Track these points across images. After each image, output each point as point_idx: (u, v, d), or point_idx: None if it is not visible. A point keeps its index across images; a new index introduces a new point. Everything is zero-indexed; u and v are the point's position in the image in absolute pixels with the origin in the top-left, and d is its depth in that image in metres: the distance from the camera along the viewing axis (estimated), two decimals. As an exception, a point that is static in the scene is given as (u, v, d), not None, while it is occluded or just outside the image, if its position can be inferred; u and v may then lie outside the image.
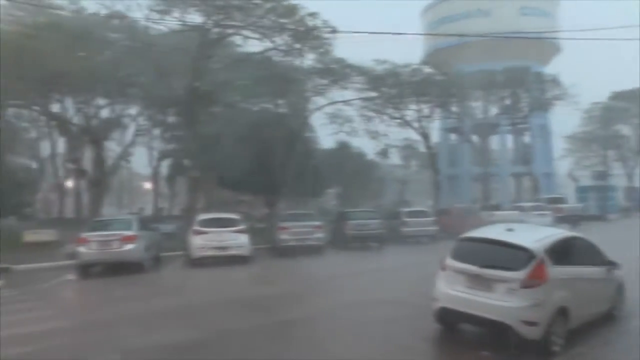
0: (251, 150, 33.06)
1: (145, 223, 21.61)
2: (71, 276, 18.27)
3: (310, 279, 17.63)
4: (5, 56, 25.58)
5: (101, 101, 37.06)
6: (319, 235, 23.76)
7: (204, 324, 10.57)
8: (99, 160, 36.17)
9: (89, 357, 8.82)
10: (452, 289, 8.80)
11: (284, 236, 23.42)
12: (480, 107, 50.99)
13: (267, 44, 29.98)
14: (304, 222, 23.90)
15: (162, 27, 29.62)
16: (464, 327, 9.40)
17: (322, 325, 10.54)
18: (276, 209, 34.59)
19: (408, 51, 44.89)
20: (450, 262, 9.02)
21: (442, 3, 62.70)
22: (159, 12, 28.12)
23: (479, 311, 8.40)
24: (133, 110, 39.61)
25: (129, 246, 17.95)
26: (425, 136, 42.32)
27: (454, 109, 44.58)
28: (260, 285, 16.38)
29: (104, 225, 19.63)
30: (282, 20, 28.56)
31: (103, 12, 30.02)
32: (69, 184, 48.75)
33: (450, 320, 9.27)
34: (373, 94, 37.38)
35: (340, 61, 32.91)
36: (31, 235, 25.74)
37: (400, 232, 28.70)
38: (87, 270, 18.26)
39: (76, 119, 37.18)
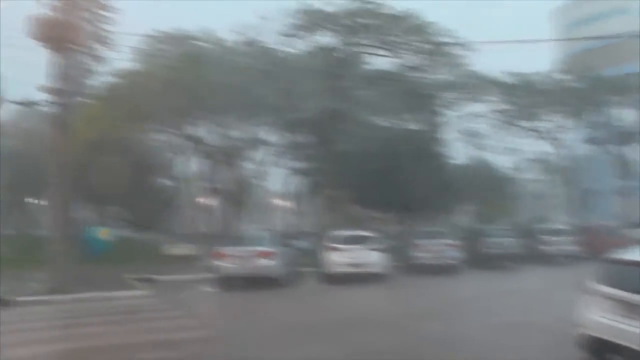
0: (383, 166, 32.99)
1: (280, 239, 22.11)
2: (209, 288, 19.02)
3: (445, 299, 17.09)
4: (151, 86, 27.47)
5: (235, 123, 38.66)
6: (454, 253, 23.14)
7: (341, 341, 10.48)
8: (234, 179, 37.68)
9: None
10: (598, 315, 7.96)
11: (417, 254, 23.01)
12: (620, 114, 47.66)
13: (397, 60, 29.94)
14: (438, 240, 23.36)
15: (292, 50, 30.42)
16: (612, 358, 8.59)
17: (459, 348, 10.09)
18: (409, 226, 34.21)
19: (538, 57, 43.02)
20: (596, 285, 8.21)
21: (573, 5, 59.62)
22: (289, 35, 28.92)
23: (629, 342, 7.44)
24: (266, 131, 40.96)
25: (266, 261, 18.39)
26: (561, 148, 40.29)
27: (591, 117, 42.11)
28: (396, 304, 16.10)
29: (241, 240, 20.44)
30: (411, 37, 28.38)
31: (236, 38, 31.50)
32: (205, 201, 51.07)
33: (596, 350, 8.35)
34: (505, 106, 36.16)
35: (471, 74, 32.15)
36: (172, 249, 27.21)
37: (537, 251, 27.32)
38: (225, 283, 18.87)
39: (211, 141, 39.01)
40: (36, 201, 47.85)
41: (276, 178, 53.45)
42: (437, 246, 22.90)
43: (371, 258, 19.97)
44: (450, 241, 23.50)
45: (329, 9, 28.28)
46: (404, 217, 35.70)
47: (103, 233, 21.68)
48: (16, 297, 16.29)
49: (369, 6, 28.52)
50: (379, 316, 13.17)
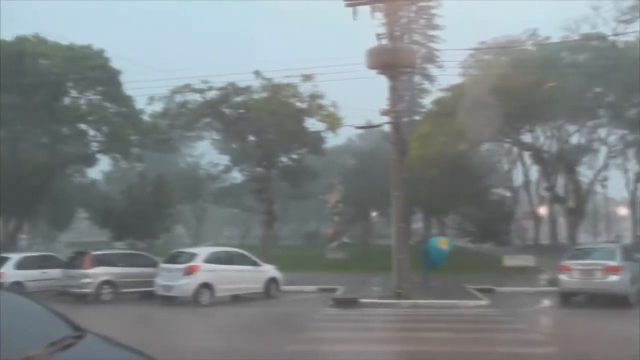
0: None
1: (627, 252, 20.16)
2: (550, 302, 18.40)
3: None
4: (482, 97, 27.82)
5: (571, 126, 36.82)
6: None
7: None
8: (574, 186, 35.86)
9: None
10: None
11: None
12: None
13: None
14: None
15: (632, 37, 27.78)
16: None
17: None
18: None
19: None
20: None
21: None
22: (625, 22, 26.50)
23: None
24: (605, 132, 38.18)
25: (613, 277, 16.95)
26: None
27: None
28: None
29: (585, 253, 19.27)
30: None
31: (566, 35, 30.04)
32: (543, 210, 49.58)
33: None
34: None
35: None
36: (510, 260, 27.03)
37: None
38: (568, 298, 18.01)
39: (548, 147, 37.74)
40: (378, 214, 51.98)
41: (618, 183, 49.44)
42: None
43: None
44: None
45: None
46: None
47: (443, 243, 22.59)
48: (360, 299, 18.09)
49: None
50: None
